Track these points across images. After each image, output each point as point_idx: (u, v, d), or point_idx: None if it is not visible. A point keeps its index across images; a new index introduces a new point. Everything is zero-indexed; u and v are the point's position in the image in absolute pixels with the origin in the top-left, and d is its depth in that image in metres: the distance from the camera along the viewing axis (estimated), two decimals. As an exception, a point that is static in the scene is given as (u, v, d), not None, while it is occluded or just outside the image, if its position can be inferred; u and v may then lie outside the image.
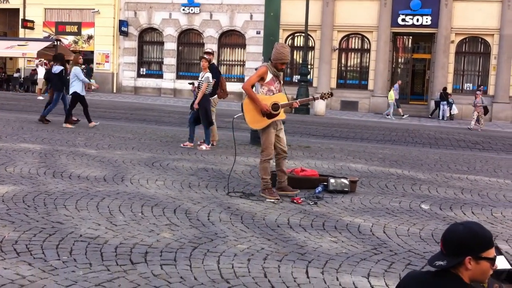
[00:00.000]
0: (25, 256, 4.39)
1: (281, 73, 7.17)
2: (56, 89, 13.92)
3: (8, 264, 4.18)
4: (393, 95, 25.43)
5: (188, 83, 13.50)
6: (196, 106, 10.81)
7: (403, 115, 26.04)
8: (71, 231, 5.06)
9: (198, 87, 10.90)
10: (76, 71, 13.19)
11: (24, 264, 4.21)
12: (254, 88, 7.04)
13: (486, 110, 22.86)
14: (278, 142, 7.07)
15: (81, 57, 14.60)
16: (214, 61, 33.16)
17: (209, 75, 10.85)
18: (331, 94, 7.60)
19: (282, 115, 7.02)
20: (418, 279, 2.38)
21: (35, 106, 20.40)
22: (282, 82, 7.22)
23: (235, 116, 7.93)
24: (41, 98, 24.82)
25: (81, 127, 13.48)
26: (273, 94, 6.97)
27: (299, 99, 7.78)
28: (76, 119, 14.02)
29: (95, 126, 13.48)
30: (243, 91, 7.18)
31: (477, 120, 21.79)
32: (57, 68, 13.80)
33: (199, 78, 11.02)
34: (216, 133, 11.86)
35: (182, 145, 11.16)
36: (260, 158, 7.14)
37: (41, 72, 27.17)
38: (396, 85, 26.83)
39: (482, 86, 26.25)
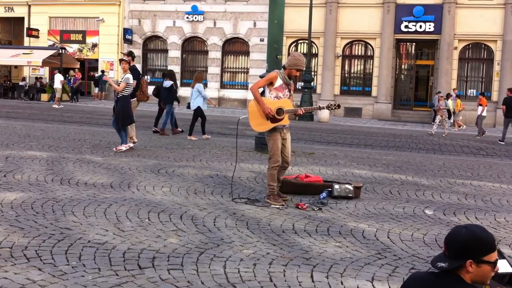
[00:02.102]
0: (35, 261, 4.46)
1: (291, 83, 7.17)
2: (166, 103, 15.03)
3: (18, 269, 4.26)
4: (451, 104, 23.38)
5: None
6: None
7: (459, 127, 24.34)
8: (79, 237, 5.14)
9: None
10: (200, 88, 13.94)
11: (34, 269, 4.29)
12: (263, 93, 7.14)
13: (450, 114, 21.66)
14: (282, 151, 7.15)
15: (202, 74, 15.55)
16: (218, 68, 33.36)
17: (129, 76, 10.94)
18: (338, 106, 7.53)
19: (286, 121, 7.08)
20: (421, 279, 2.45)
21: (40, 114, 20.56)
22: (292, 92, 7.23)
23: (240, 117, 8.03)
24: (56, 106, 25.08)
25: (87, 133, 13.59)
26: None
27: (304, 107, 7.83)
28: (181, 130, 15.39)
29: (207, 138, 14.13)
30: (247, 98, 7.31)
31: (442, 124, 20.90)
32: (167, 83, 14.95)
33: (120, 80, 11.08)
34: (135, 132, 11.71)
35: (115, 149, 11.04)
36: (267, 165, 7.20)
37: (57, 81, 27.25)
38: (454, 94, 25.13)
39: (484, 93, 25.94)
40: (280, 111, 6.97)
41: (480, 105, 21.50)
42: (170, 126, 15.32)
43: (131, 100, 11.27)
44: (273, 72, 7.15)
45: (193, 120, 14.28)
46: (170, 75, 15.46)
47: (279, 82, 7.02)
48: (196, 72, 15.82)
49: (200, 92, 13.94)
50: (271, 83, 7.02)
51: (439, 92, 23.22)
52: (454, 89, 27.19)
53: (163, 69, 33.41)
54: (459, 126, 23.74)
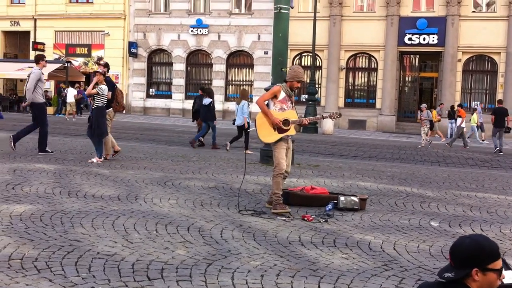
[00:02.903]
0: (45, 272, 4.52)
1: (293, 94, 7.55)
2: (206, 119, 15.75)
3: (29, 281, 4.31)
4: (476, 118, 23.55)
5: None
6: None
7: (483, 140, 24.45)
8: (88, 249, 5.20)
9: (94, 99, 11.04)
10: (244, 106, 14.55)
11: (45, 280, 4.34)
12: (268, 106, 7.39)
13: (432, 125, 21.56)
14: None
15: (247, 91, 16.85)
16: (222, 81, 33.57)
17: (104, 87, 11.05)
18: (340, 115, 7.97)
19: (292, 131, 7.36)
20: None
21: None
22: (293, 103, 7.56)
23: (249, 130, 8.13)
24: (74, 120, 25.49)
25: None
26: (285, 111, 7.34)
27: (308, 117, 8.12)
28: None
29: (251, 154, 14.15)
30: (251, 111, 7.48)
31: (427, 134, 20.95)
32: (207, 101, 15.55)
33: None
34: (110, 146, 11.71)
35: (89, 161, 11.12)
36: (272, 174, 7.36)
37: (70, 95, 27.87)
38: (479, 108, 25.07)
39: (462, 104, 25.30)
40: (286, 122, 7.22)
41: (459, 116, 21.70)
42: (197, 138, 16.03)
43: (107, 110, 11.42)
44: (276, 86, 7.48)
45: (237, 136, 15.01)
46: (209, 92, 16.08)
47: (282, 95, 7.34)
48: (241, 89, 16.38)
49: (244, 110, 14.52)
50: (275, 96, 7.34)
51: (425, 104, 23.06)
52: (441, 104, 27.13)
53: (168, 82, 33.66)
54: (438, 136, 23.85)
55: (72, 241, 5.43)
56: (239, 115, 14.55)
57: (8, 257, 4.82)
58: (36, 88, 11.78)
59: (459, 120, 21.66)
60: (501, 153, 18.86)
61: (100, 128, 11.00)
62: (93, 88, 11.06)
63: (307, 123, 7.68)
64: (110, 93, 11.32)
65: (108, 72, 11.71)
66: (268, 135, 7.29)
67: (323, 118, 8.22)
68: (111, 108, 11.73)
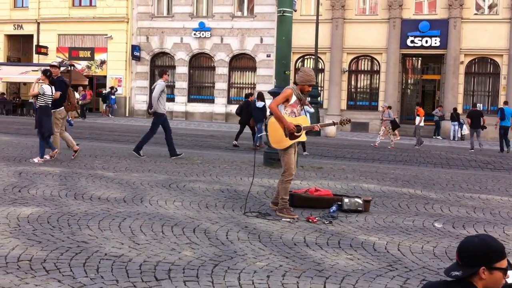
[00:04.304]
0: (54, 273, 4.57)
1: (304, 98, 7.40)
2: (258, 120, 16.84)
3: (39, 281, 4.37)
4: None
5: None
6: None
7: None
8: (96, 250, 5.25)
9: (37, 99, 11.28)
10: (306, 108, 15.24)
11: (54, 281, 4.40)
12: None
13: (395, 125, 21.25)
14: None
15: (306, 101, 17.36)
16: (225, 84, 33.63)
17: (46, 87, 11.23)
18: (349, 121, 7.85)
19: (303, 137, 7.29)
20: None
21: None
22: (303, 106, 7.46)
23: (259, 135, 8.14)
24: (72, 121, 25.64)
25: (98, 149, 13.77)
26: (295, 116, 7.22)
27: (320, 123, 8.09)
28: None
29: (307, 156, 15.28)
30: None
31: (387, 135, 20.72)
32: (260, 104, 16.84)
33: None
34: (59, 144, 11.93)
35: (31, 160, 11.26)
36: (281, 179, 7.31)
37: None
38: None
39: (420, 103, 24.89)
40: (298, 128, 7.14)
41: (418, 115, 21.87)
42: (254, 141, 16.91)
43: (58, 109, 11.69)
44: (288, 89, 7.27)
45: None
46: (261, 96, 17.24)
47: (293, 98, 7.19)
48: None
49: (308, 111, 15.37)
50: (286, 100, 7.17)
51: (389, 107, 22.65)
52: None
53: (171, 85, 33.72)
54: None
55: (79, 242, 5.49)
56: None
57: (17, 259, 4.88)
58: (159, 98, 12.68)
59: (417, 119, 21.76)
60: (480, 150, 20.34)
61: (44, 127, 11.19)
62: (36, 84, 11.37)
63: (318, 129, 7.70)
64: (58, 93, 11.61)
65: (59, 72, 12.23)
66: (280, 141, 7.17)
67: (334, 124, 8.08)
68: (63, 107, 11.95)
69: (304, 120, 7.30)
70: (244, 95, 19.22)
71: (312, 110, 15.51)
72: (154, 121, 13.01)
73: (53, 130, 11.54)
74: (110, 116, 32.65)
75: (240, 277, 4.73)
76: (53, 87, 11.41)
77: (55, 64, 12.50)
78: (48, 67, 12.04)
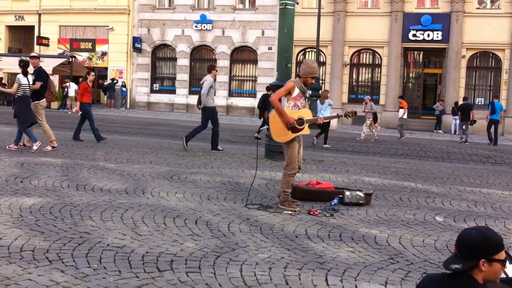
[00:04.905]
0: (57, 264, 4.59)
1: (307, 90, 7.33)
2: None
3: (42, 271, 4.39)
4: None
5: None
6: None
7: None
8: (98, 241, 5.27)
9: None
10: (330, 103, 17.23)
11: (57, 271, 4.42)
12: (280, 102, 7.17)
13: (375, 118, 20.93)
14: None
15: (328, 92, 18.58)
16: (226, 76, 33.60)
17: (19, 76, 11.45)
18: (355, 113, 7.82)
19: (306, 130, 7.21)
20: (435, 280, 2.56)
21: (51, 122, 20.69)
22: (307, 98, 7.41)
23: (261, 128, 8.13)
24: (70, 112, 25.93)
25: (101, 142, 13.78)
26: (299, 109, 7.16)
27: (323, 116, 8.02)
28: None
29: (327, 148, 16.06)
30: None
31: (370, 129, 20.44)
32: None
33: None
34: (51, 134, 12.02)
35: (8, 147, 11.49)
36: (284, 172, 7.28)
37: (72, 90, 29.30)
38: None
39: (403, 96, 24.66)
40: (300, 121, 7.08)
41: (401, 107, 21.89)
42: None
43: (41, 101, 11.83)
44: (291, 82, 7.21)
45: (322, 131, 16.87)
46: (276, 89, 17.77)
47: (296, 91, 7.13)
48: (324, 90, 19.14)
49: (327, 107, 16.87)
50: (289, 93, 7.11)
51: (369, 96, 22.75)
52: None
53: (172, 77, 33.73)
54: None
55: (82, 233, 5.51)
56: (320, 111, 16.66)
57: (20, 249, 4.90)
58: (208, 93, 13.02)
59: (401, 111, 21.76)
60: (467, 143, 21.16)
61: (21, 116, 11.35)
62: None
63: (321, 122, 7.60)
64: (39, 83, 11.71)
65: (39, 63, 12.31)
66: (281, 135, 7.13)
67: (338, 117, 8.05)
68: (44, 99, 12.05)
69: (308, 113, 7.23)
70: (265, 88, 19.10)
71: (331, 102, 16.25)
72: (207, 116, 13.24)
73: (37, 119, 11.67)
74: (122, 108, 32.73)
75: (242, 268, 4.75)
76: (29, 77, 11.60)
77: (35, 54, 12.67)
78: (25, 58, 12.15)
